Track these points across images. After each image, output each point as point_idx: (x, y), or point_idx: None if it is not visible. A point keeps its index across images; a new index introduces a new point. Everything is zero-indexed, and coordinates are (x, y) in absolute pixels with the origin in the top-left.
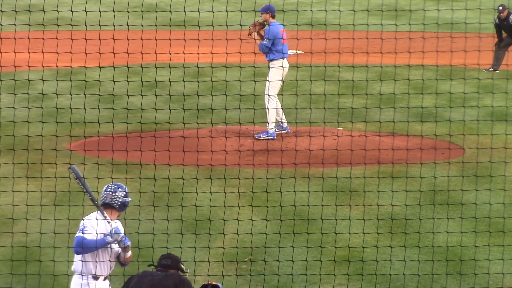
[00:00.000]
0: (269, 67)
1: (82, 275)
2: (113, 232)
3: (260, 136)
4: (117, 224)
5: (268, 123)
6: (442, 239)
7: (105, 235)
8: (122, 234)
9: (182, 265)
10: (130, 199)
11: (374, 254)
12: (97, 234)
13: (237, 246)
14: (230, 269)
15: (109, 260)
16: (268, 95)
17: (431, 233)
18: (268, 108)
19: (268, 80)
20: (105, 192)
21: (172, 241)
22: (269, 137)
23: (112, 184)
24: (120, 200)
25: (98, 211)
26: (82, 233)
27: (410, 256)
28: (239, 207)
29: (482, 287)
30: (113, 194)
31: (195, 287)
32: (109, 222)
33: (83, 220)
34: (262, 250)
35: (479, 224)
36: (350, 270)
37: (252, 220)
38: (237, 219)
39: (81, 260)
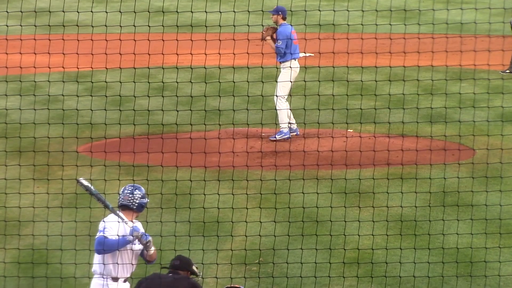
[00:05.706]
0: (278, 68)
1: (103, 277)
2: (131, 230)
3: (275, 137)
4: (136, 224)
5: (280, 124)
6: (452, 241)
7: (124, 236)
8: (142, 231)
9: (195, 268)
10: (147, 200)
11: (384, 256)
12: (118, 235)
13: (246, 248)
14: (239, 271)
15: (131, 263)
16: (277, 96)
17: (441, 234)
18: (277, 109)
19: (277, 81)
20: (122, 194)
21: (181, 243)
22: (285, 137)
23: (129, 186)
24: (137, 201)
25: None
26: (103, 233)
27: (420, 257)
28: (247, 209)
29: None
30: (130, 196)
31: None
32: (126, 223)
33: (103, 221)
34: (271, 252)
35: (490, 226)
36: (360, 272)
37: (261, 222)
38: (246, 221)
39: (102, 263)
